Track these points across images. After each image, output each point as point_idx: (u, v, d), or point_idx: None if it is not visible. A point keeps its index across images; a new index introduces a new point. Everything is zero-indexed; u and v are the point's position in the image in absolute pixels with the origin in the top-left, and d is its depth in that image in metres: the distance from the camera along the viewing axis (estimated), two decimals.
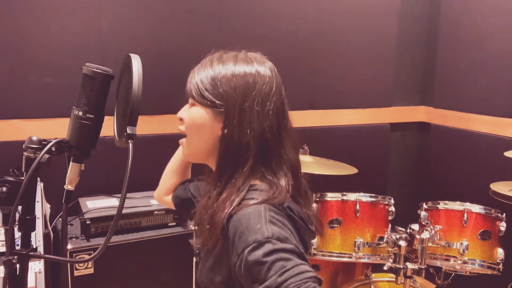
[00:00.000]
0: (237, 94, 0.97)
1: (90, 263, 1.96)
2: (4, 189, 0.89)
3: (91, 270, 1.97)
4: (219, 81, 0.99)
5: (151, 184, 2.41)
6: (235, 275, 0.92)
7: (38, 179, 0.95)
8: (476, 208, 2.02)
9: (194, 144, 1.06)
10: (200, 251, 1.12)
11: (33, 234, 0.96)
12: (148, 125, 2.42)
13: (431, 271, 2.12)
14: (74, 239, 2.00)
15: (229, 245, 0.92)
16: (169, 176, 1.40)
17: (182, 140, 1.09)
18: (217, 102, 0.99)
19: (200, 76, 1.01)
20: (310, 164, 2.21)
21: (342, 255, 2.00)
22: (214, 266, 1.01)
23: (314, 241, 2.00)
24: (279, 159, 1.01)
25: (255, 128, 0.97)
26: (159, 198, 1.45)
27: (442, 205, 2.06)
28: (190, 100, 1.04)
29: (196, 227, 1.07)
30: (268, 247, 0.85)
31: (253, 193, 0.96)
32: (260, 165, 0.99)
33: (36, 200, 1.17)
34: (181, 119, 1.07)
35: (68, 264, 1.92)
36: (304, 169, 1.11)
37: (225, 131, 0.98)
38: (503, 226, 2.02)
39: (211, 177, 1.04)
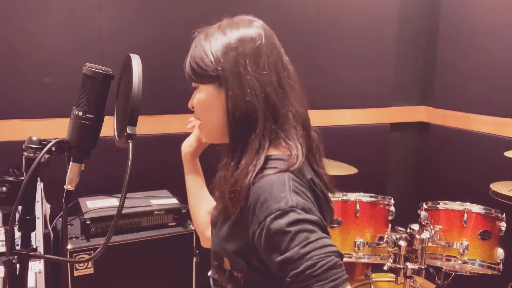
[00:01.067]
0: (228, 61, 0.98)
1: (90, 263, 1.96)
2: (4, 189, 0.89)
3: (91, 270, 1.97)
4: (208, 57, 1.00)
5: (151, 184, 2.46)
6: (252, 244, 0.90)
7: (38, 179, 0.95)
8: (476, 208, 2.02)
9: (208, 124, 1.06)
10: (212, 224, 1.11)
11: (33, 234, 0.96)
12: (148, 125, 2.42)
13: (431, 271, 2.12)
14: (74, 239, 2.00)
15: (249, 213, 0.90)
16: (195, 208, 1.30)
17: (198, 123, 1.10)
18: (214, 75, 1.00)
19: (192, 58, 1.03)
20: None
21: None
22: (229, 235, 0.99)
23: None
24: (287, 114, 1.00)
25: (255, 87, 0.97)
26: (204, 240, 1.30)
27: (442, 205, 2.07)
28: (193, 85, 1.06)
29: (216, 200, 1.07)
30: (292, 216, 0.83)
31: (273, 163, 0.95)
32: (271, 124, 0.98)
33: (36, 200, 1.17)
34: (193, 107, 1.08)
35: (68, 264, 1.92)
36: None
37: (230, 100, 0.98)
38: (503, 226, 2.03)
39: (227, 149, 1.03)
